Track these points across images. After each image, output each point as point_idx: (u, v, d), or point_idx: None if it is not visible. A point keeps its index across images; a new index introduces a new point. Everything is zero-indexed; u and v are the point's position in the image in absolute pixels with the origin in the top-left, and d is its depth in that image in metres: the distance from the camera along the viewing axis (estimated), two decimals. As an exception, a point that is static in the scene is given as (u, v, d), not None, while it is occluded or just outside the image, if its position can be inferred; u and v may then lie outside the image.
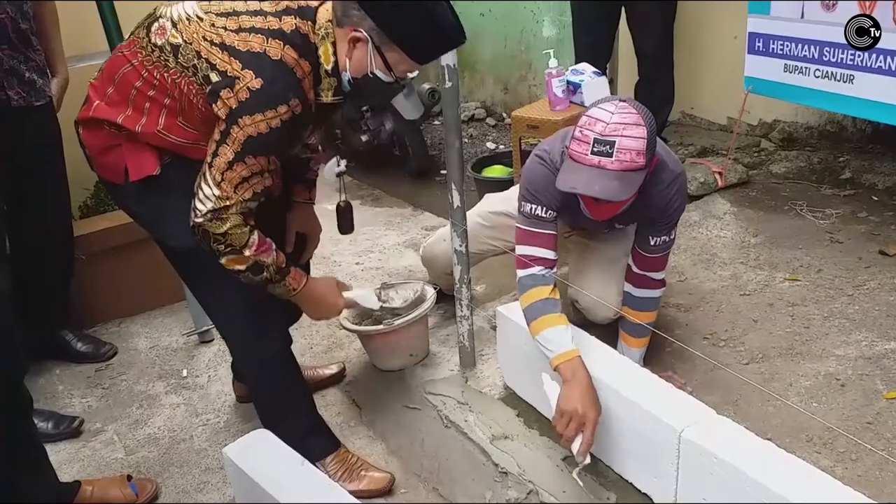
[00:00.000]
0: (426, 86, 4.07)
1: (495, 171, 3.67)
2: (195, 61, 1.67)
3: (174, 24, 1.71)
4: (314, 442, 2.07)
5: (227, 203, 1.67)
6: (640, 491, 1.83)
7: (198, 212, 1.69)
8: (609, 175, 1.74)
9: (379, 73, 1.71)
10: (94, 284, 2.89)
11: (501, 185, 3.40)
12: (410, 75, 1.79)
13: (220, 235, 1.70)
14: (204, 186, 1.68)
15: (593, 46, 3.49)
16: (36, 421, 2.33)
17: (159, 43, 1.71)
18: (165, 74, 1.71)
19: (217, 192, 1.67)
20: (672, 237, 2.08)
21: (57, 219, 2.63)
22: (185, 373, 2.66)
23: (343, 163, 2.19)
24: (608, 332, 2.24)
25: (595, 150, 1.74)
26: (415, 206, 3.87)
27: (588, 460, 1.77)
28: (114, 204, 2.00)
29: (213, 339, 2.81)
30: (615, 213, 1.92)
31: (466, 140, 4.67)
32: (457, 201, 2.15)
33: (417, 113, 3.99)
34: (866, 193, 3.19)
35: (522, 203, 2.01)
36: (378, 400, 2.39)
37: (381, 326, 2.37)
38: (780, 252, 2.82)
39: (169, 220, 1.84)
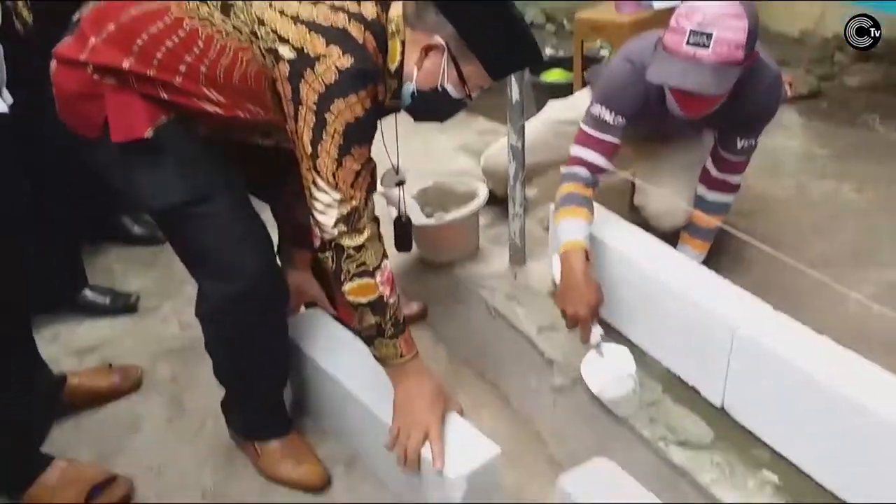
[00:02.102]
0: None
1: (554, 75, 3.58)
2: (254, 27, 1.43)
3: None
4: (264, 421, 1.88)
5: (354, 203, 1.45)
6: (686, 384, 1.81)
7: (325, 227, 1.45)
8: (704, 68, 1.65)
9: (450, 88, 1.52)
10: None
11: (560, 88, 3.33)
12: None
13: (355, 250, 1.47)
14: (319, 195, 1.44)
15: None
16: (93, 295, 2.42)
17: None
18: (201, 29, 1.45)
19: (338, 196, 1.43)
20: (758, 141, 2.01)
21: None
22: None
23: (402, 171, 1.96)
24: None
25: (691, 41, 1.64)
26: (469, 111, 3.80)
27: (596, 339, 1.75)
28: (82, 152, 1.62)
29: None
30: (707, 110, 1.82)
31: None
32: (515, 96, 2.10)
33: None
34: (944, 108, 3.04)
35: (593, 103, 1.92)
36: (428, 291, 2.39)
37: (431, 220, 2.36)
38: (849, 164, 2.72)
39: (150, 183, 1.56)
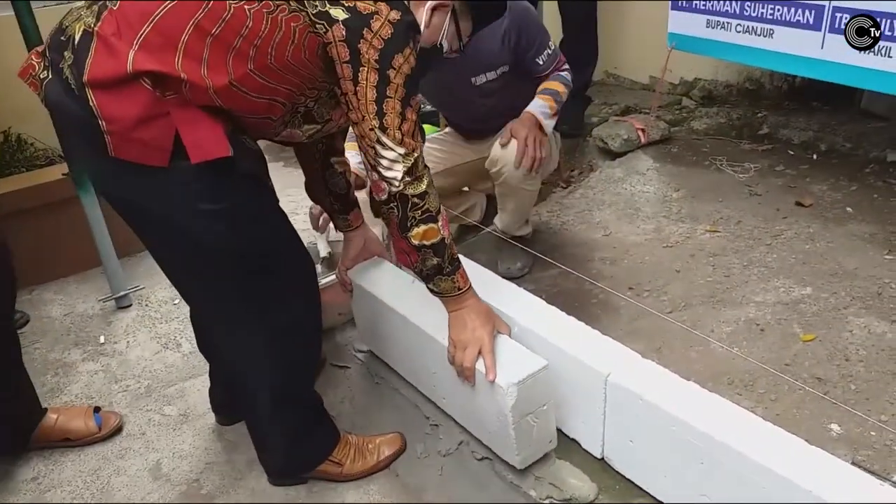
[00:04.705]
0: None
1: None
2: None
3: None
4: (326, 434, 1.92)
5: (416, 154, 1.50)
6: (568, 437, 1.84)
7: (393, 182, 1.49)
8: None
9: (444, 44, 1.63)
10: (2, 250, 2.74)
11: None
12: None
13: (418, 197, 1.52)
14: (385, 153, 1.47)
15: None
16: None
17: None
18: (247, 7, 1.36)
19: (402, 150, 1.47)
20: (553, 49, 2.38)
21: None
22: (102, 339, 2.56)
23: None
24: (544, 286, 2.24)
25: None
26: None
27: None
28: (138, 195, 1.47)
29: (130, 305, 2.71)
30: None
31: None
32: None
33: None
34: (783, 148, 3.28)
35: None
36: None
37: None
38: (701, 205, 2.88)
39: (240, 217, 1.51)
